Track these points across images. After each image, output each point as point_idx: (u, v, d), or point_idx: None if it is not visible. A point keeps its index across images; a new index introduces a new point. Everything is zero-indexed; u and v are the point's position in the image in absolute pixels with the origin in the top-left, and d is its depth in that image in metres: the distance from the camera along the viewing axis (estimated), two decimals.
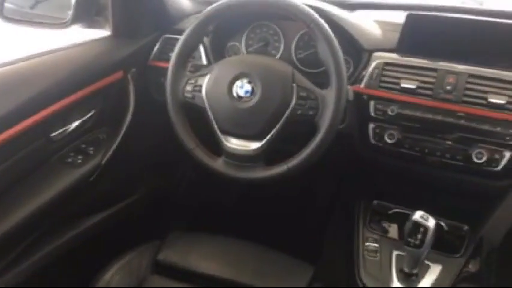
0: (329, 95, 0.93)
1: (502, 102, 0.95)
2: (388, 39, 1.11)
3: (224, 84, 0.97)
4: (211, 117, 0.99)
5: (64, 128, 1.08)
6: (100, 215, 1.22)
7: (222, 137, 0.99)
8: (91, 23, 1.22)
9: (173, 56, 1.02)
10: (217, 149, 1.01)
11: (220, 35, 1.23)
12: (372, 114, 1.05)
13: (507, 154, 0.97)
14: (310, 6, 0.96)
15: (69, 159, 1.09)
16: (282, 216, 1.58)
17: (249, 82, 0.96)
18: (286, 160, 0.96)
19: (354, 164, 1.21)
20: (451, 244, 1.09)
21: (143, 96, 1.22)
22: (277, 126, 0.95)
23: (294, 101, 0.94)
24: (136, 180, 1.38)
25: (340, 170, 1.41)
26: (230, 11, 1.00)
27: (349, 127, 1.08)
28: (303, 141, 0.95)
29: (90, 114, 1.13)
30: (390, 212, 1.18)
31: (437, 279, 1.00)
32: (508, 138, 0.95)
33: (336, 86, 0.92)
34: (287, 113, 0.94)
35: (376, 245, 1.09)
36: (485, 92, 0.97)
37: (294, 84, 0.95)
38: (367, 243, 1.10)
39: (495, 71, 0.99)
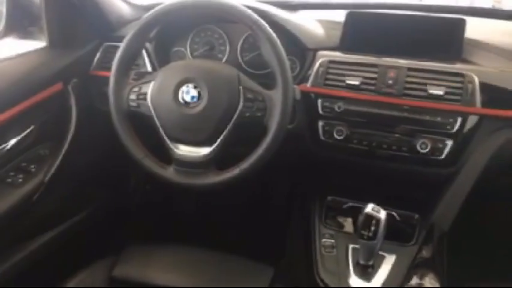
0: (276, 96, 0.93)
1: (440, 93, 0.99)
2: (331, 37, 1.13)
3: (169, 90, 0.95)
4: (159, 125, 0.97)
5: (1, 147, 1.01)
6: (47, 235, 1.16)
7: (171, 145, 0.97)
8: (25, 35, 1.16)
9: (114, 63, 0.99)
10: (167, 157, 0.98)
11: (164, 40, 1.21)
12: (320, 112, 1.07)
13: (449, 143, 1.01)
14: (252, 8, 0.96)
15: (9, 179, 1.03)
16: (240, 221, 1.57)
17: (195, 87, 0.94)
18: (238, 163, 0.95)
19: (306, 162, 1.23)
20: (404, 233, 1.12)
21: (86, 108, 1.18)
22: (226, 130, 0.94)
23: (241, 104, 0.93)
24: (85, 196, 1.32)
25: (294, 169, 1.42)
26: (170, 15, 0.98)
27: (299, 126, 1.09)
28: (254, 143, 0.95)
29: (29, 130, 1.07)
30: (344, 207, 1.20)
31: (392, 268, 1.02)
32: (448, 127, 0.99)
33: (282, 86, 0.92)
34: (235, 116, 0.94)
35: (333, 240, 1.10)
36: (425, 84, 1.00)
37: (241, 87, 0.94)
38: (323, 240, 1.11)
39: (433, 64, 1.03)
